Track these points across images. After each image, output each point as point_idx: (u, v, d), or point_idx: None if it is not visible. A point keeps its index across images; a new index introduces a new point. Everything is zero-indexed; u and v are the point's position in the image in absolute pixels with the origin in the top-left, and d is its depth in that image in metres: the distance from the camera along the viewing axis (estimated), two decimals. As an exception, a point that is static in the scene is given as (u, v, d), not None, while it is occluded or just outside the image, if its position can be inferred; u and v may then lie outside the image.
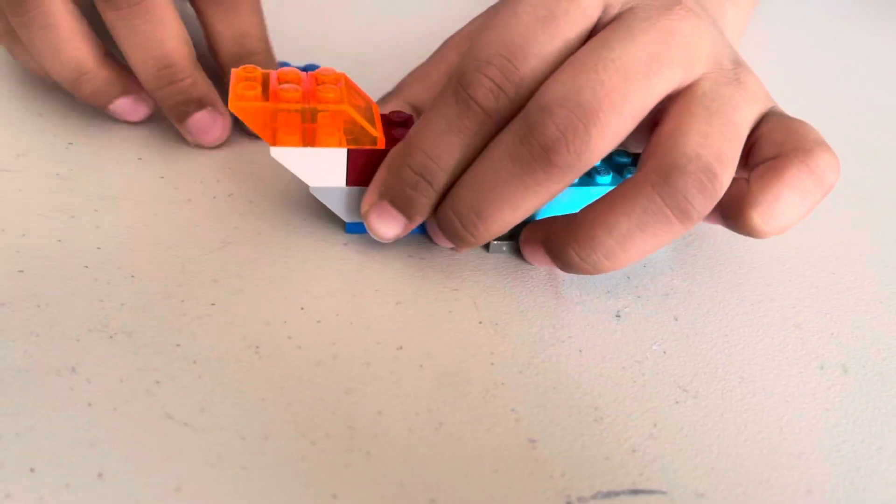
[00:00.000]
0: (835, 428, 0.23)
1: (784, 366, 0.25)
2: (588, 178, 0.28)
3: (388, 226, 0.25)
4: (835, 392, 0.24)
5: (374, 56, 0.30)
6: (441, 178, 0.24)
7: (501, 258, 0.28)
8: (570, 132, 0.21)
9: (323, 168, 0.25)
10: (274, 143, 0.25)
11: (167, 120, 0.32)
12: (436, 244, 0.27)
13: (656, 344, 0.25)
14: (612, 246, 0.23)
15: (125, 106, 0.31)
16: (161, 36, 0.29)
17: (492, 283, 0.26)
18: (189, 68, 0.30)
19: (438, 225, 0.25)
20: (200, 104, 0.30)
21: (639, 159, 0.29)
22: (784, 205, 0.23)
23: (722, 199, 0.24)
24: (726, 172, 0.22)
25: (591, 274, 0.24)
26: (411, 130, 0.24)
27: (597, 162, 0.23)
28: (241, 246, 0.27)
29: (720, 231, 0.31)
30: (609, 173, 0.28)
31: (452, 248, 0.27)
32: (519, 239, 0.27)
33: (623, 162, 0.28)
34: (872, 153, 0.38)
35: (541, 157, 0.22)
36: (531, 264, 0.27)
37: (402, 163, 0.24)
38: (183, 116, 0.30)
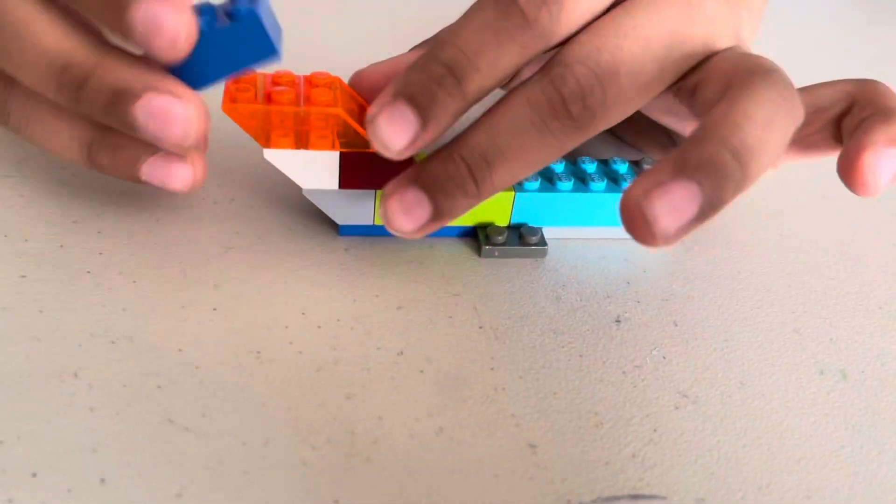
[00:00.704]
0: (834, 433, 0.23)
1: (783, 371, 0.25)
2: (582, 185, 0.28)
3: (397, 129, 0.22)
4: (834, 397, 0.24)
5: (372, 61, 0.30)
6: (472, 78, 0.22)
7: (501, 264, 0.28)
8: (588, 89, 0.22)
9: (316, 170, 0.26)
10: (267, 145, 0.25)
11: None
12: (427, 244, 0.27)
13: (656, 349, 0.25)
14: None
15: (157, 166, 0.24)
16: (33, 40, 0.21)
17: (492, 289, 0.27)
18: (91, 55, 0.22)
19: (435, 175, 0.23)
20: (133, 93, 0.21)
21: (639, 164, 0.29)
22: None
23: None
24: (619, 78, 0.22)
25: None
26: (441, 31, 0.23)
27: (609, 125, 0.23)
28: (243, 251, 0.27)
29: (719, 236, 0.31)
30: (603, 180, 0.28)
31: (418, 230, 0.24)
32: (629, 192, 0.21)
33: (619, 170, 0.29)
34: (871, 158, 0.38)
35: (559, 107, 0.22)
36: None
37: (430, 56, 0.22)
38: (125, 120, 0.22)
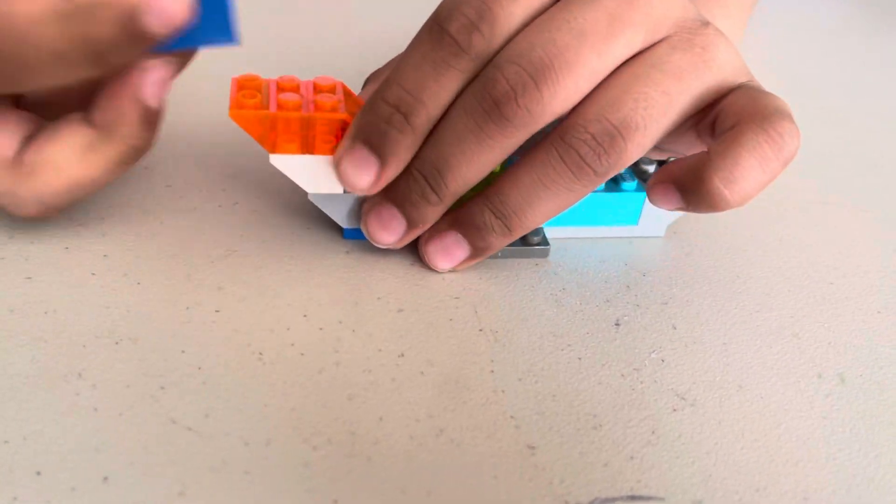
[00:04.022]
0: (832, 436, 0.23)
1: (782, 374, 0.25)
2: (613, 185, 0.28)
3: (360, 171, 0.24)
4: (832, 401, 0.24)
5: (373, 65, 0.30)
6: (418, 112, 0.23)
7: (502, 267, 0.28)
8: (520, 87, 0.22)
9: (321, 175, 0.26)
10: (273, 151, 0.25)
11: (172, 130, 0.33)
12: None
13: (655, 352, 0.25)
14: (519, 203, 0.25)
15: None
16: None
17: (492, 292, 0.27)
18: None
19: (401, 190, 0.25)
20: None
21: (637, 164, 0.30)
22: (744, 168, 0.22)
23: (681, 173, 0.23)
24: (633, 138, 0.23)
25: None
26: (391, 69, 0.24)
27: (550, 120, 0.23)
28: (246, 254, 0.27)
29: (719, 240, 0.31)
30: (633, 179, 0.28)
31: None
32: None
33: (648, 170, 0.29)
34: (871, 163, 0.38)
35: (492, 110, 0.23)
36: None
37: (378, 97, 0.24)
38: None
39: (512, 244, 0.28)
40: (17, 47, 0.20)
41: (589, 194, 0.28)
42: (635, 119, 0.23)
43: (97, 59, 0.20)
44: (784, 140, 0.22)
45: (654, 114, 0.23)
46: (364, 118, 0.24)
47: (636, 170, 0.29)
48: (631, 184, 0.28)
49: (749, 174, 0.22)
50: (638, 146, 0.23)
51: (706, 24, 0.25)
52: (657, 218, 0.30)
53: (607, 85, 0.23)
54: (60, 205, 0.24)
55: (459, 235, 0.26)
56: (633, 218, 0.29)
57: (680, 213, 0.30)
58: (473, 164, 0.24)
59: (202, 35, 0.22)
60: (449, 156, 0.24)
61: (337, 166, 0.25)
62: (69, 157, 0.23)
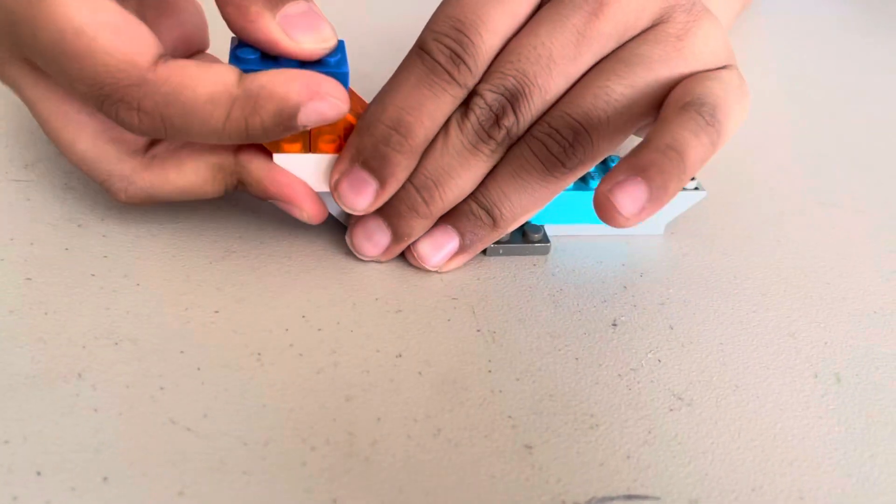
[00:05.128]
0: (827, 436, 0.23)
1: (778, 374, 0.25)
2: (582, 184, 0.28)
3: (358, 193, 0.25)
4: (828, 400, 0.24)
5: (375, 66, 0.31)
6: (417, 133, 0.24)
7: (500, 268, 0.28)
8: (500, 113, 0.24)
9: (324, 174, 0.26)
10: (277, 151, 0.25)
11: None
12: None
13: (652, 352, 0.25)
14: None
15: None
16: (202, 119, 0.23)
17: (490, 292, 0.27)
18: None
19: (390, 202, 0.26)
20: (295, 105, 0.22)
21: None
22: (681, 137, 0.22)
23: (634, 160, 0.22)
24: (597, 131, 0.24)
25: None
26: (379, 92, 0.25)
27: (523, 132, 0.25)
28: (245, 255, 0.27)
29: (716, 241, 0.31)
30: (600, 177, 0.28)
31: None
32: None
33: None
34: (867, 164, 0.38)
35: (480, 132, 0.24)
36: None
37: (375, 119, 0.24)
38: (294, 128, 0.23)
39: (514, 241, 0.28)
40: (185, 118, 0.22)
41: (588, 193, 0.28)
42: (596, 113, 0.24)
43: (244, 138, 0.23)
44: (704, 119, 0.22)
45: (616, 107, 0.24)
46: (361, 140, 0.25)
47: (606, 169, 0.29)
48: (598, 181, 0.28)
49: (687, 140, 0.22)
50: (606, 139, 0.24)
51: (690, 9, 0.25)
52: (656, 215, 0.30)
53: (577, 83, 0.25)
54: (157, 201, 0.26)
55: (448, 226, 0.27)
56: None
57: (678, 211, 0.30)
58: (464, 177, 0.25)
59: None
60: (448, 167, 0.25)
61: (335, 189, 0.25)
62: (198, 165, 0.25)
